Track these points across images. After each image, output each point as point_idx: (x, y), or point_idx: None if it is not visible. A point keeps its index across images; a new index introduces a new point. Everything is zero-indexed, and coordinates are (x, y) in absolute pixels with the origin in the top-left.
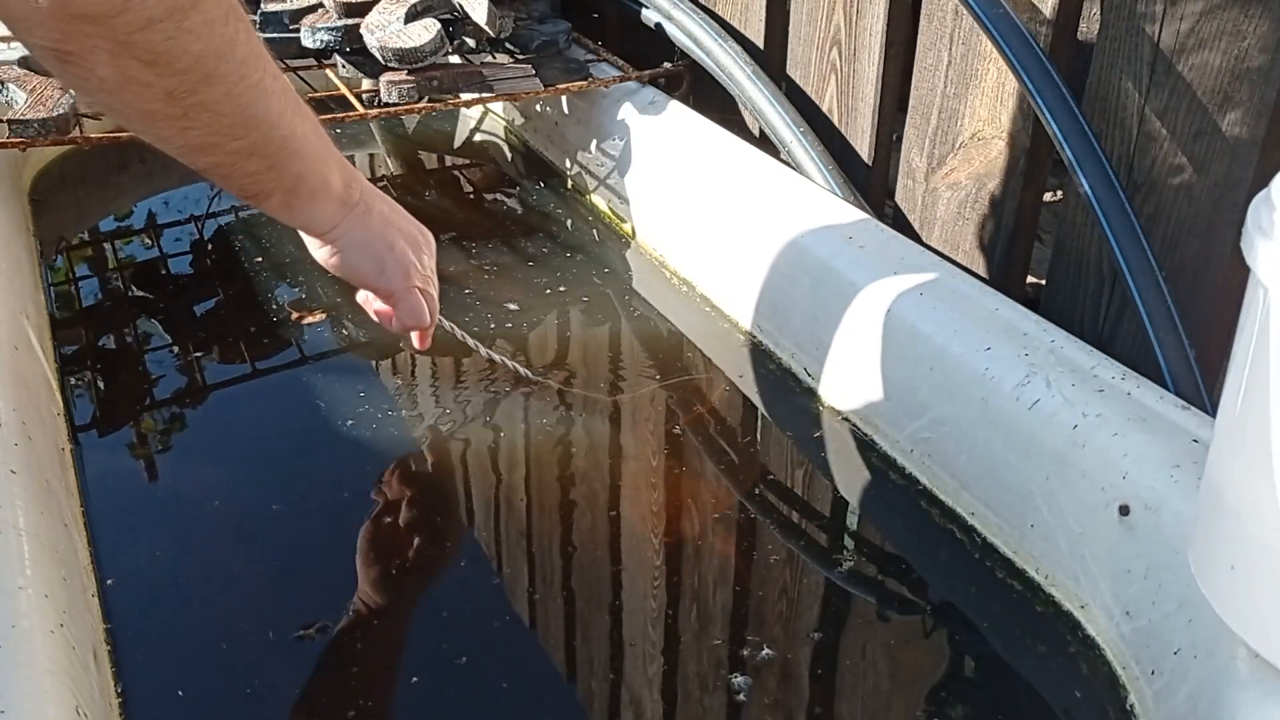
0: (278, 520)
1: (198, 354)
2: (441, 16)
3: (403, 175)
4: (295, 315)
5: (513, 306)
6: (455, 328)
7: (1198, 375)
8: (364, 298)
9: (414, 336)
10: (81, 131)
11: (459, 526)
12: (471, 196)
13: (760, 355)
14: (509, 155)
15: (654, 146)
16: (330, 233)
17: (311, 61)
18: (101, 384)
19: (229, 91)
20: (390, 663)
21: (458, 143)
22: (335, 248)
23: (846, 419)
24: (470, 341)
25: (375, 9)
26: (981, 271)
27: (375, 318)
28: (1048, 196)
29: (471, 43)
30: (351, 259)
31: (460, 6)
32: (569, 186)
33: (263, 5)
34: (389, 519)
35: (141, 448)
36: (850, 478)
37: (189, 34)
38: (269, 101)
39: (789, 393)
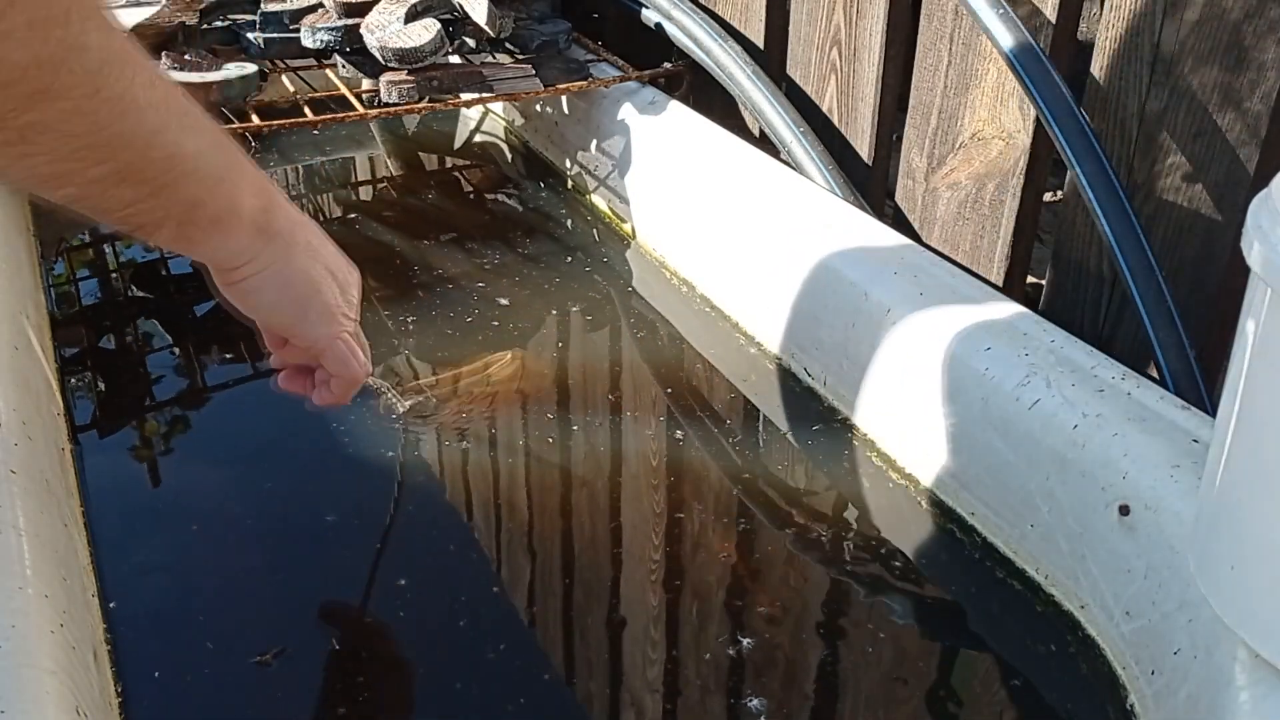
0: (279, 520)
1: (198, 354)
2: (441, 16)
3: (403, 175)
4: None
5: (509, 304)
6: (384, 384)
7: (1198, 375)
8: (278, 362)
9: (318, 395)
10: None
11: (459, 526)
12: (472, 197)
13: (760, 355)
14: (509, 155)
15: (654, 146)
16: (243, 267)
17: (311, 61)
18: (101, 384)
19: (77, 107)
20: (389, 658)
21: (458, 143)
22: (247, 286)
23: (846, 418)
24: (391, 394)
25: (375, 9)
26: (981, 271)
27: (284, 388)
28: (1048, 196)
29: (471, 43)
30: (268, 299)
31: (460, 6)
32: (569, 186)
33: (263, 5)
34: (386, 519)
35: (141, 448)
36: (851, 478)
37: (5, 40)
38: (141, 116)
39: (789, 393)
